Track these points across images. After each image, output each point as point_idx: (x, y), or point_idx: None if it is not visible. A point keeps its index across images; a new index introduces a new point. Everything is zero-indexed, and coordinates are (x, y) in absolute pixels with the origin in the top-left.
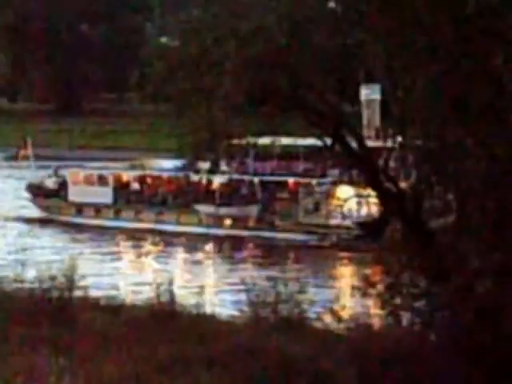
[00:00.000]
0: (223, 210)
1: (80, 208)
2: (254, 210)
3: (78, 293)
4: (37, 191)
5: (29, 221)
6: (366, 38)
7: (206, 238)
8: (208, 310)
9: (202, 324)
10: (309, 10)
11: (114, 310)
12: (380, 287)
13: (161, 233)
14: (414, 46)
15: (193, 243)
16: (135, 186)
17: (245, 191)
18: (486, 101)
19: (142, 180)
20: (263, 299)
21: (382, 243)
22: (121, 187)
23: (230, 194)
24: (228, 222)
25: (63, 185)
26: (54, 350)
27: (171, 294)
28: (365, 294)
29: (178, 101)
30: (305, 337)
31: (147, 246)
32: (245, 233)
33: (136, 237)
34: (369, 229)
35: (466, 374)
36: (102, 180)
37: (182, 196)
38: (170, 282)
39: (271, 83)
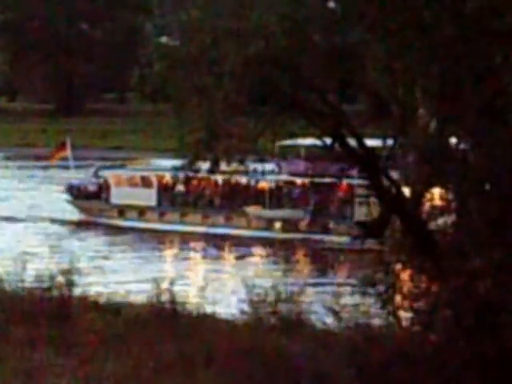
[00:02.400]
0: (274, 213)
1: (123, 210)
2: (306, 213)
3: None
4: (77, 193)
5: (69, 223)
6: (365, 38)
7: (255, 240)
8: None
9: (202, 324)
10: (309, 10)
11: (114, 309)
12: (380, 287)
13: (207, 236)
14: (414, 46)
15: (242, 246)
16: (180, 187)
17: (296, 193)
18: (486, 101)
19: (187, 181)
20: (263, 299)
21: (381, 243)
22: (165, 189)
23: (281, 196)
24: (278, 224)
25: (104, 186)
26: (53, 350)
27: (171, 293)
28: (365, 294)
29: (177, 101)
30: (305, 337)
31: (194, 250)
32: (296, 236)
33: (181, 240)
34: (369, 229)
35: (465, 374)
36: (145, 182)
37: (229, 198)
38: (171, 282)
39: (271, 83)
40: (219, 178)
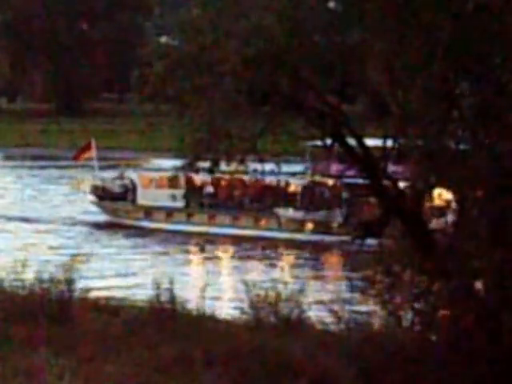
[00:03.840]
0: (306, 214)
1: (150, 211)
2: (338, 215)
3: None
4: (102, 194)
5: (95, 225)
6: (365, 38)
7: (285, 242)
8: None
9: (202, 324)
10: (309, 10)
11: (114, 310)
12: (380, 287)
13: (236, 237)
14: (414, 46)
15: (271, 248)
16: (209, 188)
17: (328, 194)
18: (485, 101)
19: (216, 183)
20: (263, 299)
21: (381, 243)
22: (193, 190)
23: (313, 198)
24: (310, 226)
25: (129, 187)
26: (53, 350)
27: (171, 293)
28: (364, 294)
29: (177, 101)
30: (305, 337)
31: (221, 251)
32: (328, 238)
33: (210, 242)
34: (369, 229)
35: (465, 374)
36: (173, 183)
37: (259, 199)
38: (171, 282)
39: (271, 83)
40: (248, 179)
